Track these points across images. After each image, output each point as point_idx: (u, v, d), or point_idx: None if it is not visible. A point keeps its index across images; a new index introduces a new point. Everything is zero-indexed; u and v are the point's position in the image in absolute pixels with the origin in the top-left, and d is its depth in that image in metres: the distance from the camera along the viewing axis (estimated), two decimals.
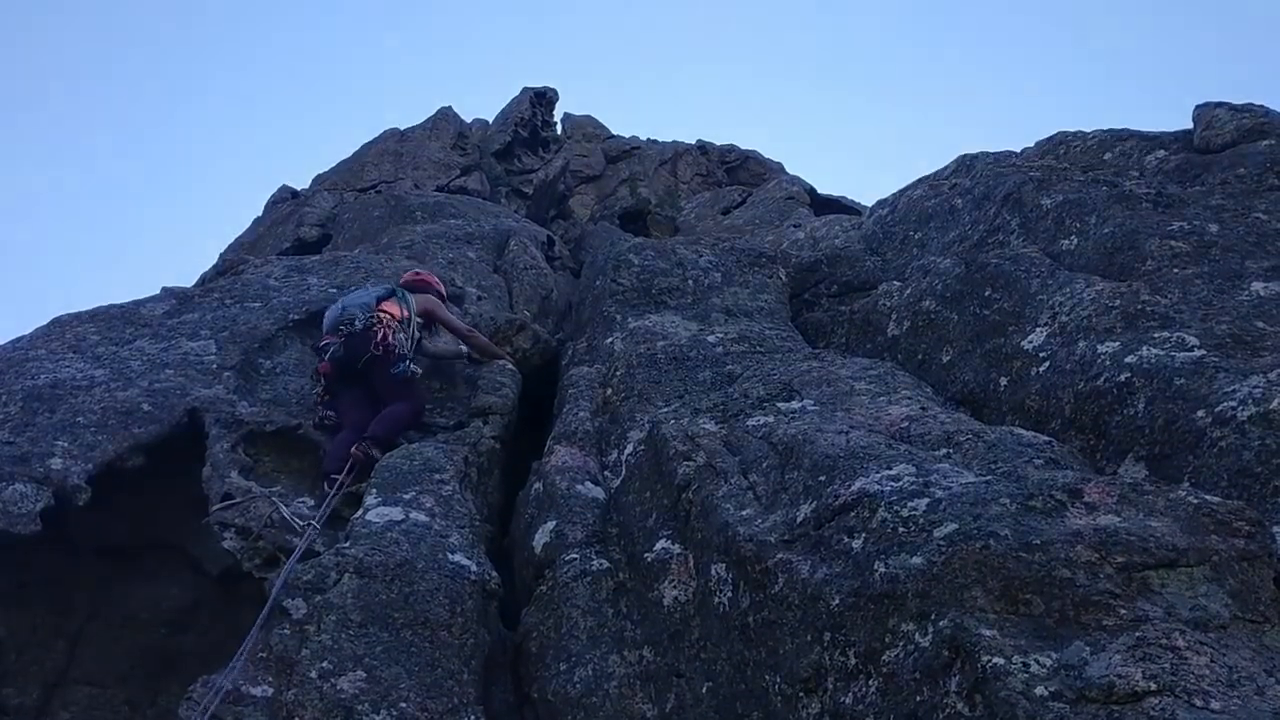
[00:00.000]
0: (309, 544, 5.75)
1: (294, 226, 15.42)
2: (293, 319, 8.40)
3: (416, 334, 7.46)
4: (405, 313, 7.47)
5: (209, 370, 7.46)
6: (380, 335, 7.12)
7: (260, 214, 17.63)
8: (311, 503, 6.47)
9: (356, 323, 7.17)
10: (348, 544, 5.42)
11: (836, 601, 3.77)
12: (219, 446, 6.65)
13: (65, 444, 6.36)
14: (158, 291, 9.15)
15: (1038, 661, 3.05)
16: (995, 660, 3.06)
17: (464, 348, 7.92)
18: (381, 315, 7.26)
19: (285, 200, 17.54)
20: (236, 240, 16.73)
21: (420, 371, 7.36)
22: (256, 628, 4.92)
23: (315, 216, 15.50)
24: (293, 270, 9.63)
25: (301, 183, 18.38)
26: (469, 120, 20.27)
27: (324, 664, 4.64)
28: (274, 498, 6.29)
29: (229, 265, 10.55)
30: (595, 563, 5.52)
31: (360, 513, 5.79)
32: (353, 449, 6.71)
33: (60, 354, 7.58)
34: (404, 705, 4.55)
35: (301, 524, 6.06)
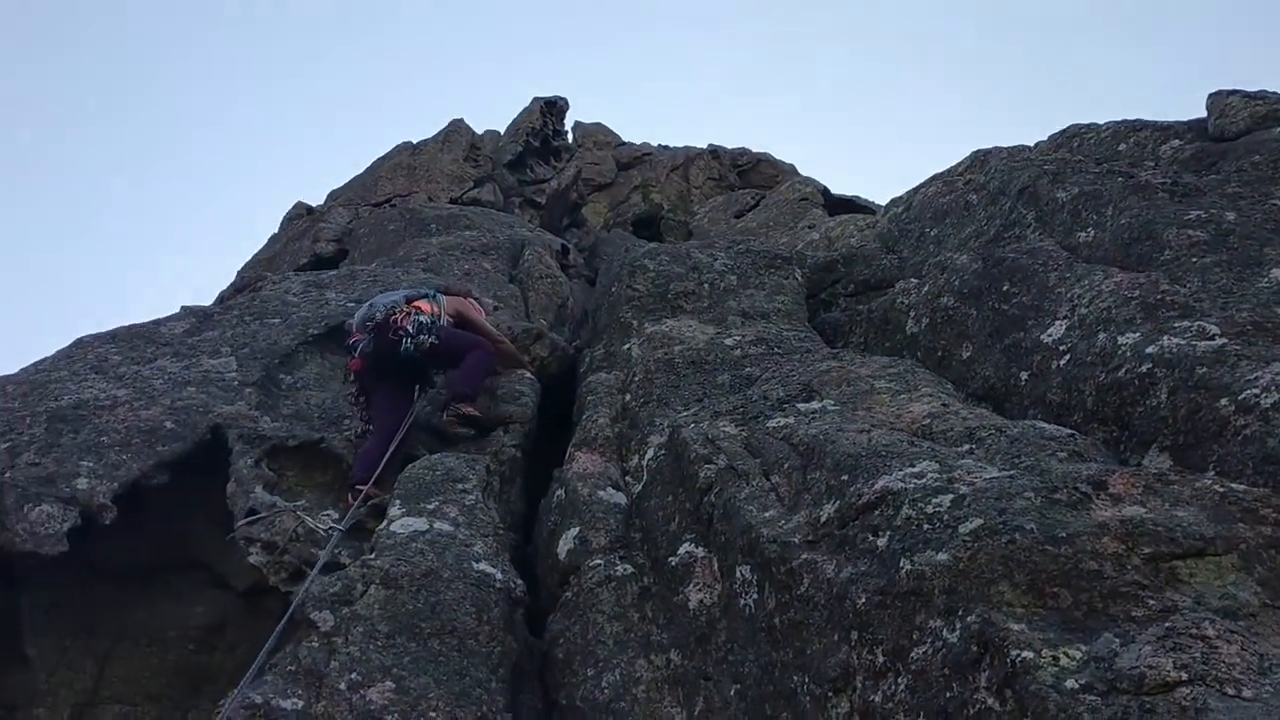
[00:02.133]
0: (332, 551, 5.78)
1: (310, 242, 15.52)
2: (312, 334, 8.45)
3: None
4: (436, 309, 7.46)
5: (230, 387, 7.50)
6: (398, 320, 7.13)
7: (276, 231, 17.75)
8: (336, 516, 6.49)
9: (378, 315, 7.17)
10: (373, 555, 5.44)
11: (863, 600, 3.76)
12: (242, 462, 6.68)
13: (90, 464, 6.40)
14: (177, 310, 9.23)
15: (1067, 654, 3.03)
16: (1024, 654, 3.05)
17: None
18: (406, 308, 7.27)
19: (301, 216, 17.65)
20: (254, 257, 16.84)
21: (430, 340, 7.12)
22: (274, 636, 4.94)
23: (331, 232, 15.60)
24: (310, 285, 9.69)
25: (316, 199, 18.50)
26: (480, 132, 20.33)
27: (353, 675, 4.65)
28: (298, 511, 6.33)
29: (247, 282, 10.63)
30: (619, 568, 5.53)
31: (384, 524, 5.81)
32: (444, 416, 7.14)
33: (83, 374, 7.64)
34: (433, 714, 4.56)
35: (325, 530, 6.09)
